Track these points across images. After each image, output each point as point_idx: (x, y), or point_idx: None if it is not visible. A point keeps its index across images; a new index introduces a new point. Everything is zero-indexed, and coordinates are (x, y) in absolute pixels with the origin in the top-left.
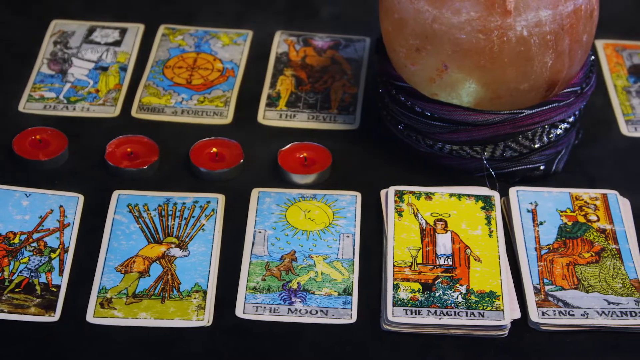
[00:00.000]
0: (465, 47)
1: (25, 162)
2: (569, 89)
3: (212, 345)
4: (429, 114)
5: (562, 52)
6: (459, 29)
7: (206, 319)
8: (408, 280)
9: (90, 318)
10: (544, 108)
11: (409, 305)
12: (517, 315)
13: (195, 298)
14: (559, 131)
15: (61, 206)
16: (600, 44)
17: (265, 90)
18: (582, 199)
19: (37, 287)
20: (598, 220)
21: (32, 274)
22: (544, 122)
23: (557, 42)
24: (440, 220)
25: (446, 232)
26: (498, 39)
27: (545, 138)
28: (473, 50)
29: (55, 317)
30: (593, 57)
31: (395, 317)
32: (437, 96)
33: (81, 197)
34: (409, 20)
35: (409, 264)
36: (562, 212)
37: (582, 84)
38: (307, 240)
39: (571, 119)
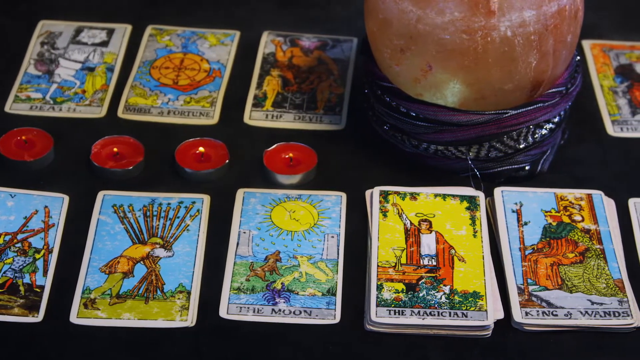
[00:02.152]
0: (449, 47)
1: (10, 163)
2: (554, 89)
3: (196, 345)
4: (414, 114)
5: (546, 52)
6: (443, 30)
7: (190, 319)
8: (392, 280)
9: (73, 319)
10: (529, 108)
11: (393, 305)
12: (500, 315)
13: (179, 299)
14: (544, 131)
15: (46, 207)
16: (587, 44)
17: (252, 91)
18: (567, 199)
19: (21, 288)
20: (583, 220)
21: (16, 274)
22: (528, 122)
23: (541, 42)
24: (425, 220)
25: (430, 233)
26: (482, 39)
27: (530, 138)
28: (457, 50)
29: (39, 317)
30: (578, 58)
31: (379, 317)
32: (422, 96)
33: (66, 198)
34: (393, 21)
35: (393, 264)
36: (546, 212)
37: (567, 84)
38: (292, 240)
39: (556, 119)
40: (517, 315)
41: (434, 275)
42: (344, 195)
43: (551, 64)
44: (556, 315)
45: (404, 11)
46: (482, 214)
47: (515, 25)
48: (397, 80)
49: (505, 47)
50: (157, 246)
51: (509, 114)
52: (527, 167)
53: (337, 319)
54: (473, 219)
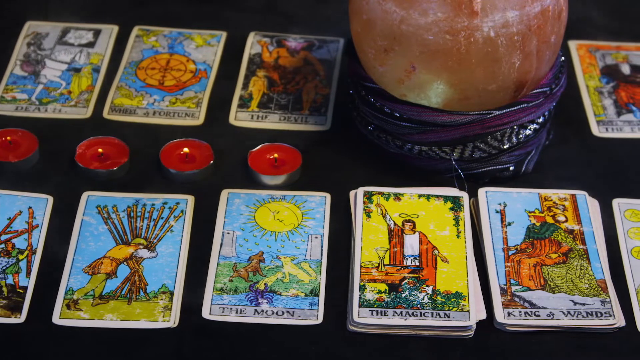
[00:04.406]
0: (432, 48)
1: None
2: (538, 90)
3: (178, 346)
4: (398, 114)
5: (529, 52)
6: (426, 30)
7: (172, 320)
8: (375, 281)
9: (56, 319)
10: (513, 109)
11: (375, 306)
12: (483, 316)
13: (161, 299)
14: (528, 132)
15: (30, 207)
16: (573, 44)
17: (238, 92)
18: (551, 200)
19: (4, 289)
20: (566, 220)
21: None
22: (512, 122)
23: (524, 42)
24: (409, 221)
25: (414, 233)
26: (465, 39)
27: (514, 139)
28: (440, 51)
29: (21, 318)
30: (563, 58)
31: (361, 317)
32: (406, 97)
33: (50, 199)
34: (377, 21)
35: (376, 264)
36: (530, 212)
37: (551, 85)
38: (276, 241)
39: (540, 120)
40: (500, 315)
41: (416, 275)
42: (328, 196)
43: (535, 64)
44: (538, 315)
45: (387, 12)
46: (465, 214)
47: (498, 26)
48: (381, 81)
49: (488, 48)
50: (141, 247)
51: (492, 115)
52: (511, 168)
53: (320, 320)
54: (457, 220)
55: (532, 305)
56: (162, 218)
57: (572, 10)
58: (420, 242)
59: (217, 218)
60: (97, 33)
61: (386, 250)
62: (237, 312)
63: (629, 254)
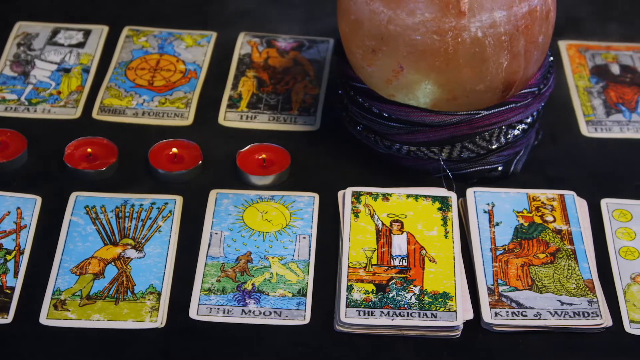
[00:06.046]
0: (420, 48)
1: None
2: (526, 90)
3: (165, 346)
4: (386, 115)
5: (517, 53)
6: (413, 30)
7: (159, 320)
8: (362, 281)
9: (43, 320)
10: (501, 109)
11: (362, 306)
12: (470, 316)
13: (149, 299)
14: (516, 132)
15: (18, 208)
16: (563, 44)
17: (227, 92)
18: (539, 200)
19: None
20: (554, 220)
21: None
22: (501, 123)
23: (512, 43)
24: (397, 221)
25: (402, 233)
26: (452, 40)
27: (502, 139)
28: (428, 51)
29: (8, 319)
30: (552, 58)
31: (348, 318)
32: (394, 97)
33: (39, 199)
34: (365, 22)
35: (364, 265)
36: (518, 212)
37: (540, 85)
38: (264, 241)
39: (529, 120)
40: (487, 315)
41: (404, 276)
42: (316, 196)
43: (523, 64)
44: (526, 315)
45: (375, 12)
46: (454, 214)
47: (485, 26)
48: (369, 81)
49: (475, 48)
50: (129, 247)
51: (481, 115)
52: (500, 168)
53: (307, 320)
54: (445, 220)
55: (519, 305)
56: (150, 218)
57: (562, 10)
58: (408, 242)
59: (205, 218)
60: (87, 33)
61: (374, 251)
62: (224, 313)
63: (617, 254)
